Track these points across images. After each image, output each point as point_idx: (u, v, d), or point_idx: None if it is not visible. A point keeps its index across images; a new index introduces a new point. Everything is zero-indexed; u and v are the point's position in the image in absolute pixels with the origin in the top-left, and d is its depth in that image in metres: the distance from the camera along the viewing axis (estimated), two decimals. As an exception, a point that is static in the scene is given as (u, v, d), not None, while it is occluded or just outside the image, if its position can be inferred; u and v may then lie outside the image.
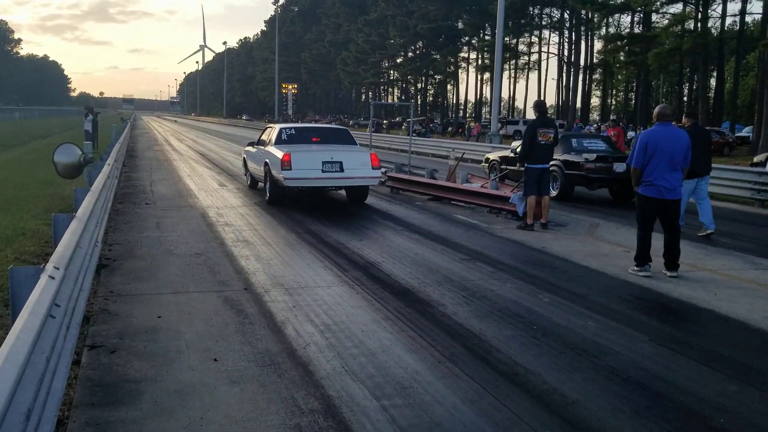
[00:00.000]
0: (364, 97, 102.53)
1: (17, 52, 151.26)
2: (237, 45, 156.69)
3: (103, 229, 7.97)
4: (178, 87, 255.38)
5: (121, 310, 6.03)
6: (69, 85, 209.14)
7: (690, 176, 10.40)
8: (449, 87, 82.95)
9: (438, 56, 73.93)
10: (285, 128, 12.87)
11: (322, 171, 11.36)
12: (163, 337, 5.32)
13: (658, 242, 8.05)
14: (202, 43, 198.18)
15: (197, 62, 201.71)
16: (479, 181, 15.13)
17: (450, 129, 59.20)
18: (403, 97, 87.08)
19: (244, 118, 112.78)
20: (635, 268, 7.99)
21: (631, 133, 37.18)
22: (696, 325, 6.25)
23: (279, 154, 11.53)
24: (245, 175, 15.64)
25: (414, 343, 5.35)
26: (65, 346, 3.66)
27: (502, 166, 16.59)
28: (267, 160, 12.20)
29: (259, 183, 13.74)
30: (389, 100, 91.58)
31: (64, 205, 11.04)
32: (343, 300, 6.53)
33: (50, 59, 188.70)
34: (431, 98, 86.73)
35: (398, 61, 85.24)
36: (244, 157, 15.39)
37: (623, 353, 5.26)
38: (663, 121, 7.95)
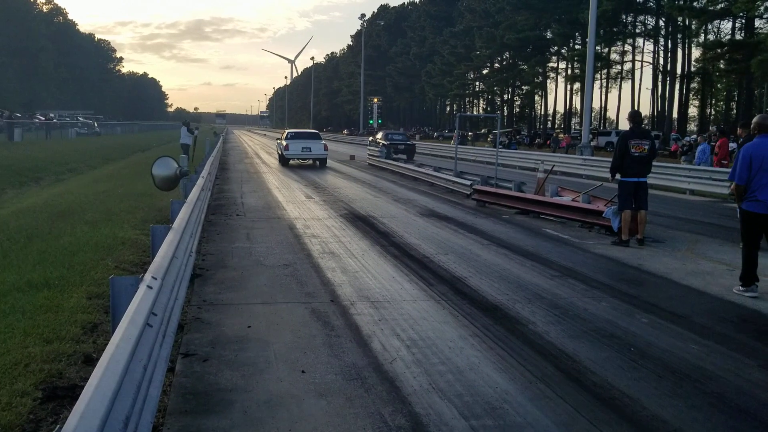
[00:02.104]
0: (448, 109, 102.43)
1: (119, 70, 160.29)
2: (324, 60, 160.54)
3: (197, 240, 8.25)
4: (268, 102, 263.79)
5: (213, 319, 6.20)
6: (166, 101, 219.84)
7: None
8: (537, 98, 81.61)
9: (525, 66, 72.91)
10: (288, 132, 28.47)
11: (301, 151, 25.49)
12: (252, 347, 5.42)
13: (766, 260, 7.55)
14: (291, 59, 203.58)
15: (285, 77, 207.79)
16: (570, 194, 14.73)
17: (537, 141, 58.15)
18: (488, 109, 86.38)
19: (326, 130, 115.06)
20: (741, 288, 7.53)
21: (732, 145, 35.31)
22: (812, 351, 5.79)
23: (284, 143, 26.14)
24: (277, 153, 30.72)
25: (503, 361, 5.22)
26: (161, 354, 3.77)
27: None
28: (281, 146, 26.77)
29: (282, 157, 28.02)
30: (474, 112, 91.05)
31: (161, 216, 11.53)
32: (429, 315, 6.46)
33: (149, 76, 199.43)
34: (518, 109, 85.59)
35: (484, 72, 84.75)
36: (276, 145, 30.25)
37: (729, 379, 4.94)
38: (765, 132, 7.48)
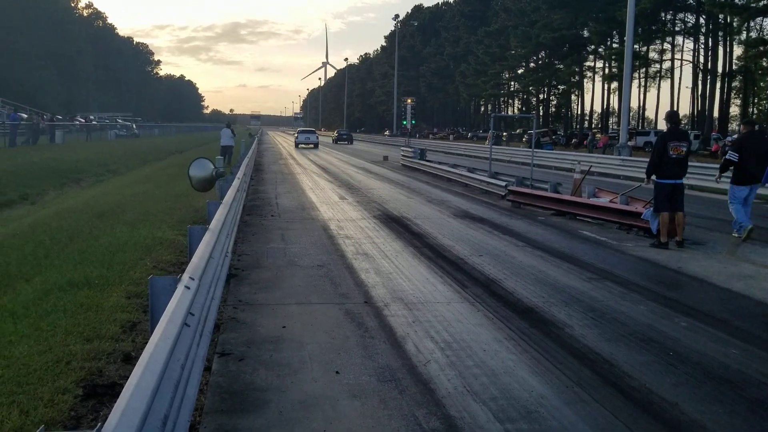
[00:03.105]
0: (483, 109, 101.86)
1: (156, 73, 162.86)
2: (358, 61, 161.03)
3: (232, 240, 8.36)
4: (302, 103, 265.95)
5: (249, 319, 6.27)
6: (202, 103, 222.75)
7: (749, 182, 11.02)
8: (573, 97, 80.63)
9: (561, 66, 72.10)
10: (298, 130, 62.33)
11: (305, 140, 51.99)
12: (287, 347, 5.47)
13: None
14: (325, 60, 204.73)
15: (320, 78, 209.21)
16: (607, 195, 14.54)
17: (573, 141, 57.48)
18: (523, 109, 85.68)
19: (360, 131, 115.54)
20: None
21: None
22: None
23: (296, 135, 54.67)
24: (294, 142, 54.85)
25: (539, 365, 5.18)
26: (198, 354, 3.83)
27: None
28: (295, 136, 55.71)
29: (295, 143, 53.58)
30: (509, 112, 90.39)
31: (198, 217, 11.70)
32: (463, 317, 6.44)
33: (186, 79, 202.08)
34: (554, 109, 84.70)
35: (519, 71, 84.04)
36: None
37: (774, 386, 4.82)
38: None
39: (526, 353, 5.43)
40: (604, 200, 13.72)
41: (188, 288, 3.81)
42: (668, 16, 60.81)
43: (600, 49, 68.13)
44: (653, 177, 10.62)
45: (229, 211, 7.82)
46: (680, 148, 10.32)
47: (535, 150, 21.77)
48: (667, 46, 63.34)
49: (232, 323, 6.15)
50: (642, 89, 68.37)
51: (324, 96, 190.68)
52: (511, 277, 8.15)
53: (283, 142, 74.12)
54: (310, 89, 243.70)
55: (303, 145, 52.18)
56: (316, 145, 52.24)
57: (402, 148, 35.36)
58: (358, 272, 8.35)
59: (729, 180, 11.56)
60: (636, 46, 55.45)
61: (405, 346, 5.55)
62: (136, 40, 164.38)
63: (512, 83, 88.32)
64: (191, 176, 9.84)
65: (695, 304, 7.06)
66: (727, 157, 11.51)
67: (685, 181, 10.71)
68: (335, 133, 79.37)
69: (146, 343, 2.97)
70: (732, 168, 11.40)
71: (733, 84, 60.65)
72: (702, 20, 57.09)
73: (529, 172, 19.58)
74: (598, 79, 72.52)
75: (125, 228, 10.73)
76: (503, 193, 16.49)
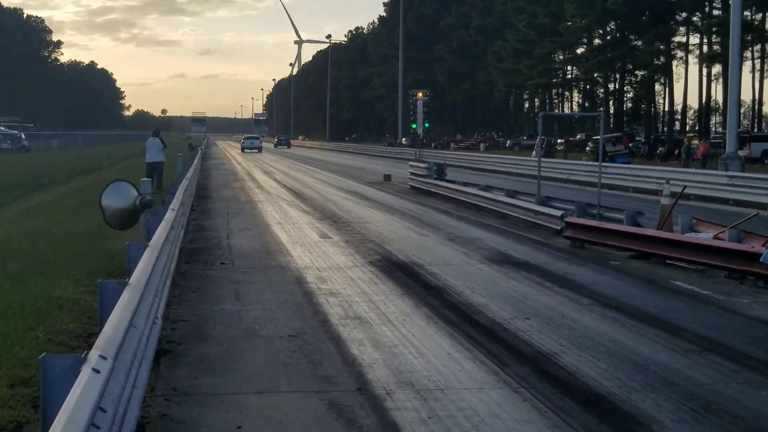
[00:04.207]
0: (527, 105, 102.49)
1: (57, 59, 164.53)
2: (346, 38, 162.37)
3: (164, 301, 8.33)
4: (265, 100, 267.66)
5: (188, 417, 6.22)
6: (122, 101, 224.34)
7: None
8: (657, 87, 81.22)
9: (640, 43, 72.75)
10: (245, 136, 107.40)
11: (251, 145, 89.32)
12: (243, 459, 5.42)
13: None
14: (298, 38, 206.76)
15: (290, 64, 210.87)
16: (710, 229, 14.53)
17: (660, 150, 57.75)
18: (586, 105, 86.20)
19: (350, 139, 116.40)
20: None
21: None
22: None
23: (242, 141, 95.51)
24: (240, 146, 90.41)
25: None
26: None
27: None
28: (241, 142, 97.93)
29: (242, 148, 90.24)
30: (565, 110, 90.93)
31: (114, 266, 11.68)
32: (503, 410, 6.41)
33: (99, 67, 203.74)
34: (630, 105, 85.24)
35: (579, 51, 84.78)
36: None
37: None
38: None
39: (595, 463, 5.38)
40: (705, 236, 13.71)
41: (98, 371, 3.78)
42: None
43: (694, 18, 68.81)
44: None
45: (159, 258, 7.80)
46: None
47: (603, 164, 21.85)
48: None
49: (163, 422, 6.10)
50: (758, 74, 68.89)
51: (297, 88, 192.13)
52: (571, 350, 8.10)
53: (239, 155, 74.45)
54: (276, 80, 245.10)
55: (248, 150, 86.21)
56: (259, 149, 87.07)
57: (411, 163, 35.54)
58: (347, 345, 8.31)
59: None
60: (747, 13, 56.04)
61: (417, 454, 5.50)
62: (27, 12, 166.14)
63: (569, 68, 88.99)
64: (105, 207, 9.88)
65: (843, 387, 7.02)
66: None
67: None
68: (275, 139, 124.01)
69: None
70: None
71: None
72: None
73: (595, 196, 19.62)
74: (692, 60, 73.19)
75: (8, 284, 10.69)
76: (558, 227, 16.48)
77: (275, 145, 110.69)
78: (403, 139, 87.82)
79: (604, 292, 11.11)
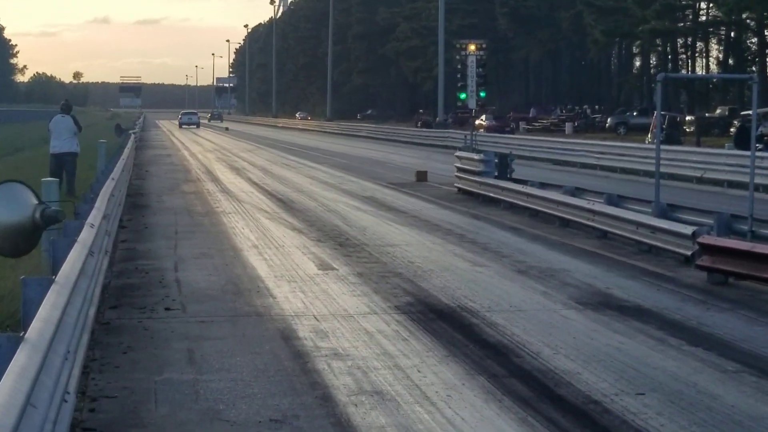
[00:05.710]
0: (639, 63, 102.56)
1: None
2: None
3: (79, 367, 8.31)
4: (232, 58, 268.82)
5: None
6: (13, 61, 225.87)
7: None
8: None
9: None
10: (182, 112, 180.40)
11: (188, 120, 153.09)
12: None
13: None
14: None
15: (272, 2, 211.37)
16: None
17: None
18: (730, 63, 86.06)
19: (364, 117, 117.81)
20: None
21: None
22: None
23: (180, 117, 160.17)
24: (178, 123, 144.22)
25: None
26: None
27: None
28: (180, 119, 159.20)
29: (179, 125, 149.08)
30: (699, 71, 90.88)
31: (1, 312, 11.69)
32: None
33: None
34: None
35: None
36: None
37: None
38: None
39: None
40: None
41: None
42: None
43: None
44: None
45: (71, 301, 7.78)
46: None
47: (758, 154, 21.79)
48: None
49: None
50: None
51: (283, 41, 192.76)
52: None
53: (192, 143, 74.77)
54: (251, 26, 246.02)
55: (186, 126, 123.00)
56: (197, 125, 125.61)
57: (458, 153, 35.53)
58: (361, 436, 8.31)
59: None
60: None
61: None
62: None
63: (703, 6, 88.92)
64: (-13, 223, 9.87)
65: None
66: None
67: None
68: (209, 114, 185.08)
69: None
70: None
71: None
72: None
73: (744, 202, 19.50)
74: None
75: None
76: (688, 252, 16.40)
77: (209, 119, 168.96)
78: (420, 112, 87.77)
79: (761, 354, 11.07)
